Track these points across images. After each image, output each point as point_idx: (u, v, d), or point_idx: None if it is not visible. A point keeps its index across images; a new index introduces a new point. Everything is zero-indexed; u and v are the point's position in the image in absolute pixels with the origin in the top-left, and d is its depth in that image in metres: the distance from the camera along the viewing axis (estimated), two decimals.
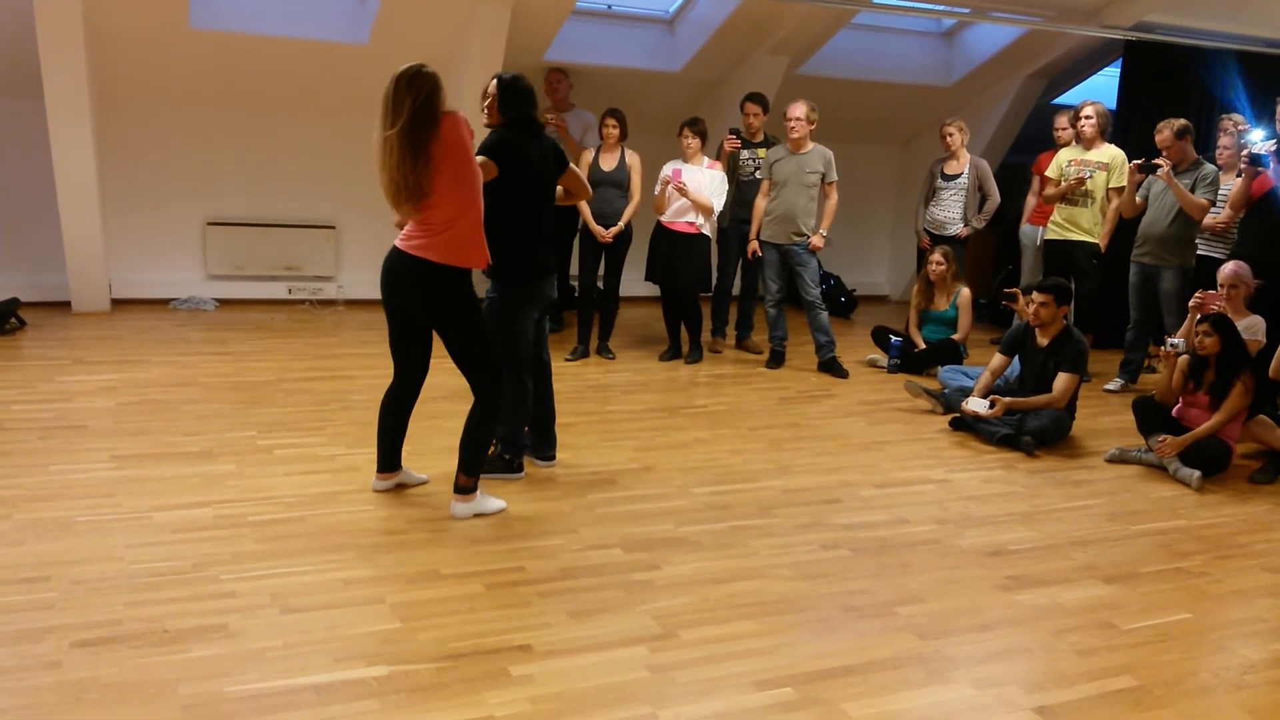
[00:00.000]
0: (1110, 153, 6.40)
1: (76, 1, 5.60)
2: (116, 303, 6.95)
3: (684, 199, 6.18)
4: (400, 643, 2.87)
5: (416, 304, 3.70)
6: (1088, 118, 6.38)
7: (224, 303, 7.23)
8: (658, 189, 6.27)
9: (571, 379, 5.91)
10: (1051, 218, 6.61)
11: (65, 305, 6.75)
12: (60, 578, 3.12)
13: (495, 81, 3.99)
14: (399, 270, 3.67)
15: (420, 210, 3.56)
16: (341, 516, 3.73)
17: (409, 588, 3.20)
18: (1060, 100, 8.69)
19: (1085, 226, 6.44)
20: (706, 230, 6.29)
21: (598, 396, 5.59)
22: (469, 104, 6.63)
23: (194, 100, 6.82)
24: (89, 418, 4.66)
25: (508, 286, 4.04)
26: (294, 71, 6.68)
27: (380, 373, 5.49)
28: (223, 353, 5.96)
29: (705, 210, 6.20)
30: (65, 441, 4.33)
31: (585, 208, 6.23)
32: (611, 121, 6.18)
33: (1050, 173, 6.60)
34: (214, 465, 4.16)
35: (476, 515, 3.81)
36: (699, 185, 6.19)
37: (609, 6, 7.34)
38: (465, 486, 3.79)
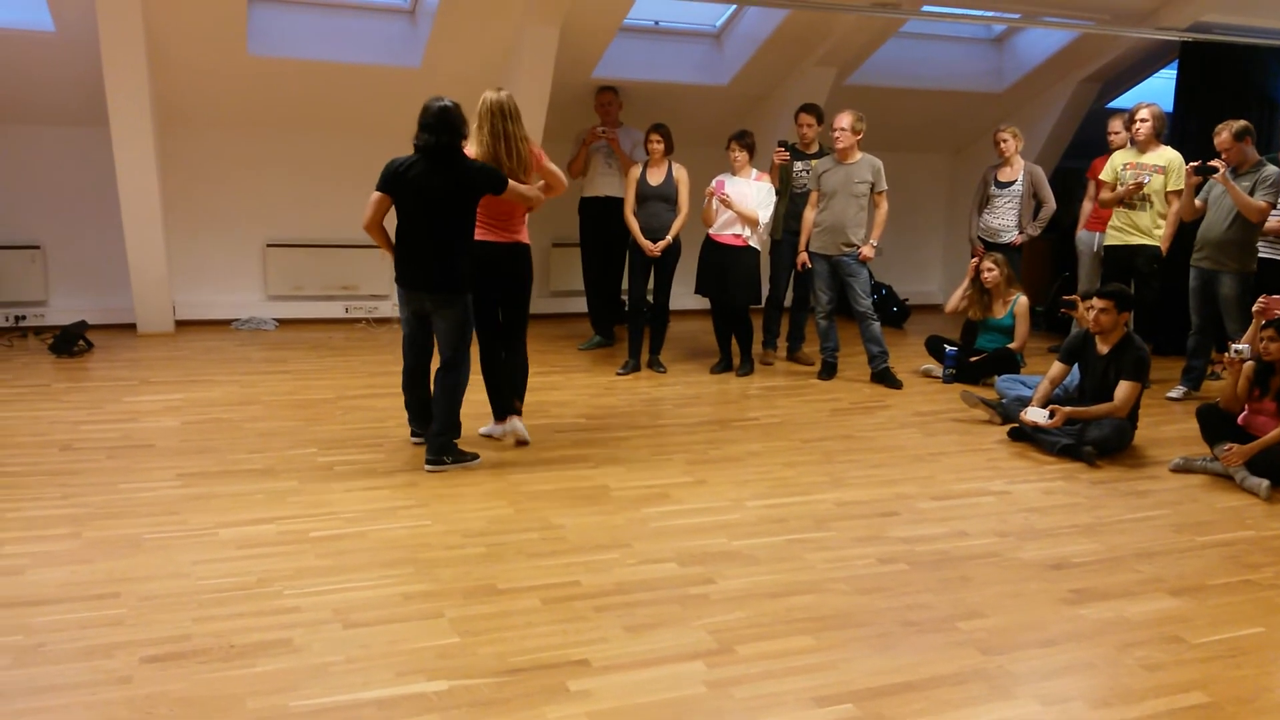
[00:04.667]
0: (1166, 155, 6.27)
1: (140, 32, 5.77)
2: (180, 324, 7.13)
3: (730, 211, 6.19)
4: (459, 657, 2.90)
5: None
6: (1143, 120, 6.26)
7: (284, 322, 7.38)
8: (705, 202, 6.30)
9: (623, 393, 5.93)
10: (1110, 222, 6.49)
11: (131, 327, 6.94)
12: (129, 594, 3.20)
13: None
14: None
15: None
16: (400, 531, 3.78)
17: (467, 602, 3.23)
18: (1115, 104, 8.55)
19: (1145, 230, 6.32)
20: (754, 242, 6.28)
21: (649, 410, 5.60)
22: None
23: (253, 125, 6.99)
24: (155, 437, 4.78)
25: None
26: (348, 96, 6.81)
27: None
28: (283, 371, 6.08)
29: (750, 222, 6.20)
30: (133, 460, 4.44)
31: (633, 222, 6.26)
32: (656, 137, 6.21)
33: (1105, 176, 6.48)
34: (276, 482, 4.25)
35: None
36: (744, 196, 6.19)
37: (656, 23, 7.38)
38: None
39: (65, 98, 6.39)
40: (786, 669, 2.90)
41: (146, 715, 2.57)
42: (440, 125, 4.29)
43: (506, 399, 4.89)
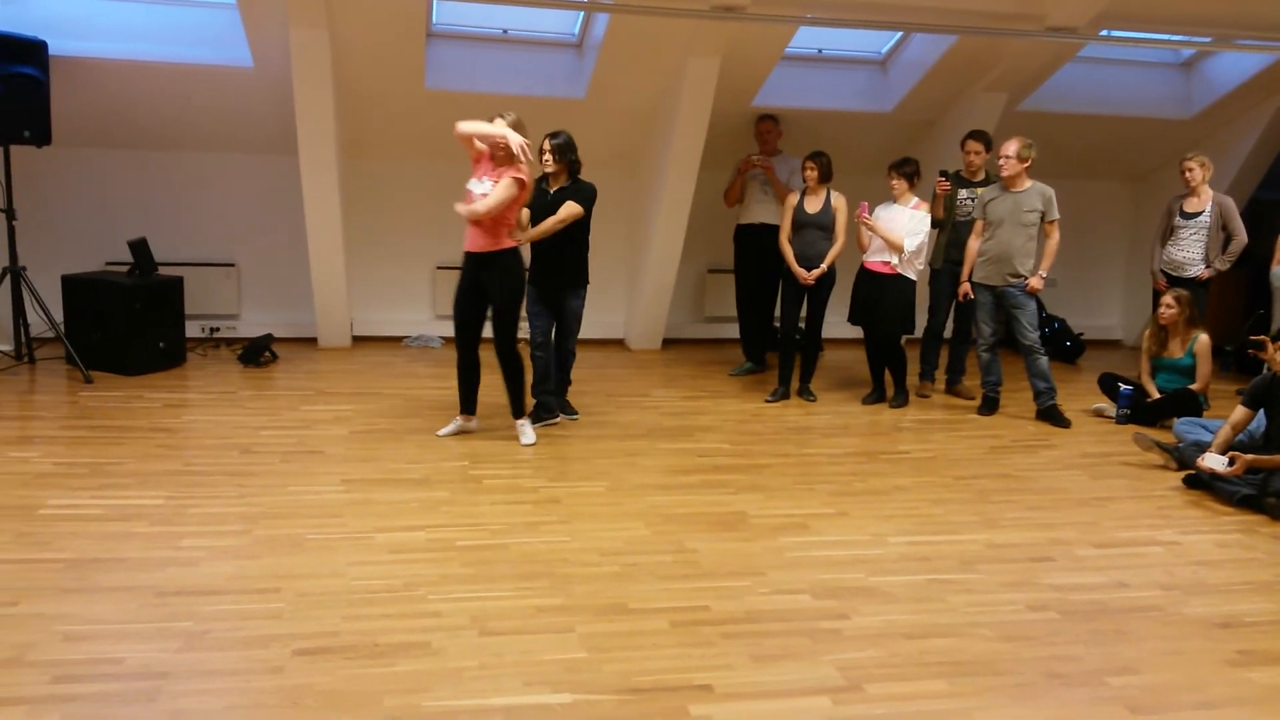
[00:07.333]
0: None
1: (328, 70, 6.20)
2: (357, 339, 7.57)
3: (879, 237, 6.10)
4: (585, 672, 2.95)
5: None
6: None
7: (449, 341, 7.71)
8: (857, 227, 6.23)
9: (770, 420, 5.90)
10: None
11: (312, 341, 7.42)
12: (289, 590, 3.42)
13: (550, 140, 5.56)
14: None
15: None
16: (540, 546, 3.89)
17: (597, 619, 3.29)
18: None
19: None
20: (906, 271, 6.14)
21: (796, 439, 5.54)
22: (679, 153, 6.81)
23: (427, 155, 7.36)
24: (326, 444, 5.09)
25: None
26: None
27: (582, 407, 5.71)
28: (445, 387, 6.35)
29: (895, 247, 6.06)
30: (303, 465, 4.75)
31: (788, 250, 6.23)
32: (810, 164, 6.17)
33: None
34: (430, 492, 4.45)
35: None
36: (892, 222, 6.08)
37: (819, 50, 7.34)
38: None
39: (260, 129, 6.93)
40: (916, 712, 2.81)
41: (292, 705, 2.74)
42: None
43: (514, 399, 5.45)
